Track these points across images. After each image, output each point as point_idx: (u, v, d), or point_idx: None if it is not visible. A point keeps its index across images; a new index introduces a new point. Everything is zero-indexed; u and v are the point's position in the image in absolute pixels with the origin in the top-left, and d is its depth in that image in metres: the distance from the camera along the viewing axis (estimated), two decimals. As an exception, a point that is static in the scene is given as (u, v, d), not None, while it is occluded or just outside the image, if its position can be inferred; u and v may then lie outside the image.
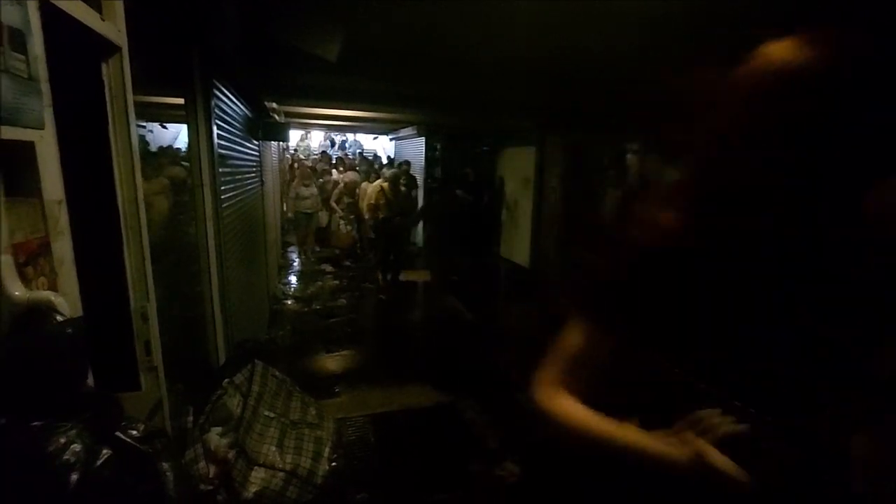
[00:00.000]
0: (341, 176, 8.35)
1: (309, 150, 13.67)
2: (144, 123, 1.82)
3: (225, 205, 2.92)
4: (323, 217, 8.19)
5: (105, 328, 1.32)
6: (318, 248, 8.46)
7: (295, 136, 12.78)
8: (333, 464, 2.56)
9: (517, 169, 7.45)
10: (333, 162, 10.48)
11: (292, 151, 12.58)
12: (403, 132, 9.90)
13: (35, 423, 0.56)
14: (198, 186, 2.53)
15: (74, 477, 0.55)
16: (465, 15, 2.46)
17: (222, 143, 2.96)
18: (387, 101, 5.63)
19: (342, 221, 7.59)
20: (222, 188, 2.85)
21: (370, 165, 9.84)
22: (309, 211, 7.70)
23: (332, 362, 4.16)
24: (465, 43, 2.98)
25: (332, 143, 14.93)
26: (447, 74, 4.03)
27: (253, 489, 2.24)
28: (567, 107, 5.53)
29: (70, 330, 0.67)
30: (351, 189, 7.68)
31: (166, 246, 2.03)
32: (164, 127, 2.24)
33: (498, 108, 5.88)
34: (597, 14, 2.34)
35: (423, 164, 8.85)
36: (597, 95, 4.61)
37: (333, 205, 7.68)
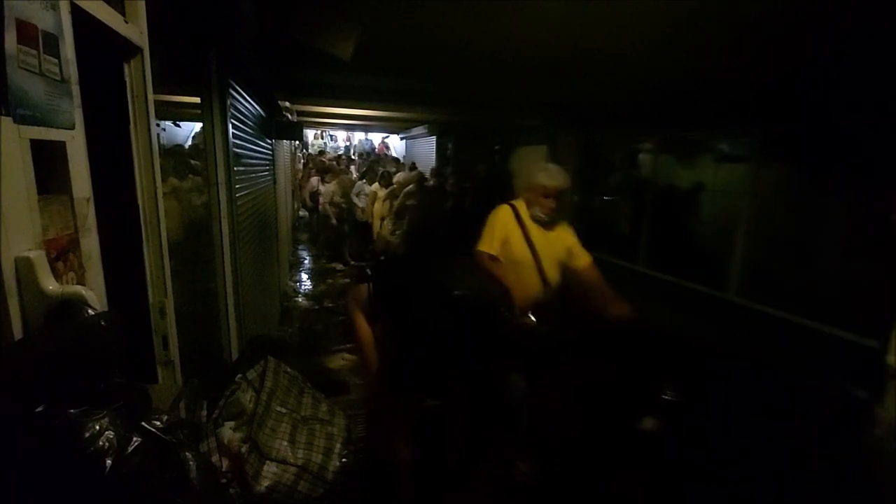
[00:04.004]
0: (395, 178, 8.43)
1: (321, 147, 13.77)
2: (159, 122, 1.86)
3: (239, 203, 2.96)
4: None
5: (125, 322, 1.36)
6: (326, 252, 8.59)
7: (308, 135, 12.87)
8: (344, 460, 2.58)
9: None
10: (331, 159, 10.55)
11: (311, 150, 12.68)
12: (415, 131, 9.92)
13: (71, 411, 0.59)
14: (213, 185, 2.56)
15: (108, 462, 0.58)
16: (477, 13, 2.48)
17: (237, 141, 2.99)
18: (399, 99, 5.64)
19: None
20: (237, 186, 2.89)
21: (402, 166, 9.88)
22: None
23: (341, 359, 4.19)
24: (477, 41, 2.98)
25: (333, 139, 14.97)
26: (459, 72, 4.04)
27: (265, 483, 2.26)
28: (579, 105, 5.51)
29: (104, 322, 0.70)
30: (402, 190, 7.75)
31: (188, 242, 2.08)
32: (178, 125, 2.28)
33: (510, 107, 5.86)
34: (610, 11, 2.34)
35: (434, 162, 8.88)
36: (609, 93, 4.59)
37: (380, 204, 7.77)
